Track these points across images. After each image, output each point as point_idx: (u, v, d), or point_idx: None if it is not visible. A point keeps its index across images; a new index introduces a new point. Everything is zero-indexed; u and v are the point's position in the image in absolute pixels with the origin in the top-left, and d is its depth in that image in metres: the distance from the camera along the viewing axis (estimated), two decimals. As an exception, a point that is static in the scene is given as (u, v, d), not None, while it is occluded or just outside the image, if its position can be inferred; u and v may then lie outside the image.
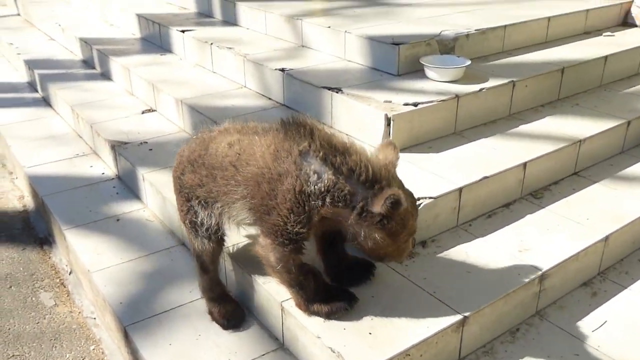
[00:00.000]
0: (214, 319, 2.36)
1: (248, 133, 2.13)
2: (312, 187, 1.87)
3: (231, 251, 2.49)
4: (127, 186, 3.40)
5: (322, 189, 1.87)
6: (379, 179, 1.88)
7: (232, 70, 4.01)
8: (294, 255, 2.03)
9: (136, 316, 2.41)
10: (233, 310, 2.37)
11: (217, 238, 2.27)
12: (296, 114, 2.07)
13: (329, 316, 2.12)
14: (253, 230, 2.51)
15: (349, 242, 2.08)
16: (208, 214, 2.19)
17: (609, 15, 4.57)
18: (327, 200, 1.88)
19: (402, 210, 1.86)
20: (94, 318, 2.76)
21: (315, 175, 1.87)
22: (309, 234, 1.99)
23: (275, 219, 1.94)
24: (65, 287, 2.99)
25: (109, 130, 3.69)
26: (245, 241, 2.53)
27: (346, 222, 1.93)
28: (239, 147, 2.07)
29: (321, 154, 1.89)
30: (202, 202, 2.19)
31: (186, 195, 2.24)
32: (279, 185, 1.92)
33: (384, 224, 1.88)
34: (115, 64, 4.59)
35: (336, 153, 1.90)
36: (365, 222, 1.88)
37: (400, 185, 1.98)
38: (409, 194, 1.98)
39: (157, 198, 3.04)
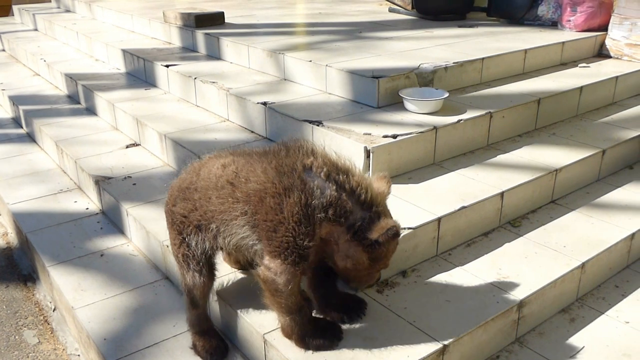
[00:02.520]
0: (197, 352, 2.37)
1: (242, 155, 2.18)
2: (317, 201, 1.93)
3: (215, 283, 2.51)
4: (111, 221, 3.42)
5: (325, 203, 1.93)
6: (375, 203, 1.98)
7: (215, 104, 4.07)
8: (301, 276, 2.06)
9: (120, 352, 2.41)
10: (217, 344, 2.37)
11: (209, 271, 2.27)
12: (294, 138, 2.14)
13: (318, 349, 2.13)
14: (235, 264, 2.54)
15: (326, 260, 2.12)
16: (202, 239, 2.18)
17: (585, 47, 4.70)
18: (330, 212, 1.94)
19: (394, 242, 1.98)
20: (78, 355, 2.76)
21: (319, 190, 1.94)
22: (312, 252, 2.02)
23: (284, 234, 1.95)
24: (49, 324, 2.99)
25: (93, 166, 3.72)
26: (230, 273, 2.55)
27: (336, 240, 2.00)
28: (235, 166, 2.11)
29: (325, 170, 1.97)
30: (196, 227, 2.18)
31: (179, 227, 2.23)
32: (285, 199, 1.94)
33: (374, 248, 1.97)
34: (100, 99, 4.64)
35: (339, 171, 1.99)
36: (355, 242, 1.97)
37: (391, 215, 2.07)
38: None
39: (141, 232, 3.06)
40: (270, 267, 2.02)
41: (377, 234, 1.94)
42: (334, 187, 1.94)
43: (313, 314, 2.22)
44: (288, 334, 2.16)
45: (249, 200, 2.02)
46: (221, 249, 2.25)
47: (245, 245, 2.12)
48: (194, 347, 2.38)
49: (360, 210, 1.96)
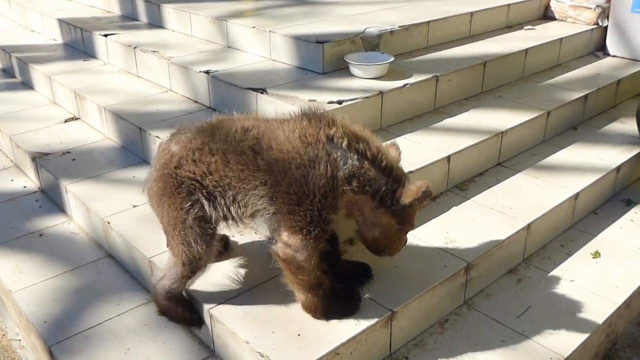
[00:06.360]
0: (176, 317, 2.29)
1: (261, 120, 2.09)
2: (341, 172, 1.92)
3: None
4: (51, 199, 3.29)
5: (348, 174, 1.93)
6: (394, 168, 2.01)
7: (157, 75, 3.93)
8: (321, 251, 2.02)
9: (61, 335, 2.33)
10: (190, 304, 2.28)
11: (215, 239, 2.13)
12: (312, 107, 2.07)
13: (344, 315, 2.11)
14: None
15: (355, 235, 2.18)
16: (213, 207, 2.02)
17: (530, 10, 4.71)
18: (354, 183, 1.94)
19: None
20: (19, 340, 2.66)
21: (342, 161, 1.92)
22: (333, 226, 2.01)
23: (308, 207, 1.90)
24: (-13, 307, 2.87)
25: (29, 142, 3.56)
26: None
27: (360, 209, 2.03)
28: (256, 131, 2.00)
29: (345, 140, 1.94)
30: (209, 192, 2.01)
31: (187, 189, 2.02)
32: (310, 171, 1.90)
33: (403, 210, 1.99)
34: (36, 72, 4.44)
35: (359, 140, 1.97)
36: (382, 209, 1.99)
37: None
38: None
39: (81, 209, 2.95)
40: (291, 244, 1.96)
41: (410, 198, 1.96)
42: (356, 157, 1.94)
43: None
44: (311, 310, 2.11)
45: (271, 170, 1.94)
46: (232, 219, 2.07)
47: (261, 216, 2.03)
48: (169, 312, 2.29)
49: (382, 176, 1.97)
